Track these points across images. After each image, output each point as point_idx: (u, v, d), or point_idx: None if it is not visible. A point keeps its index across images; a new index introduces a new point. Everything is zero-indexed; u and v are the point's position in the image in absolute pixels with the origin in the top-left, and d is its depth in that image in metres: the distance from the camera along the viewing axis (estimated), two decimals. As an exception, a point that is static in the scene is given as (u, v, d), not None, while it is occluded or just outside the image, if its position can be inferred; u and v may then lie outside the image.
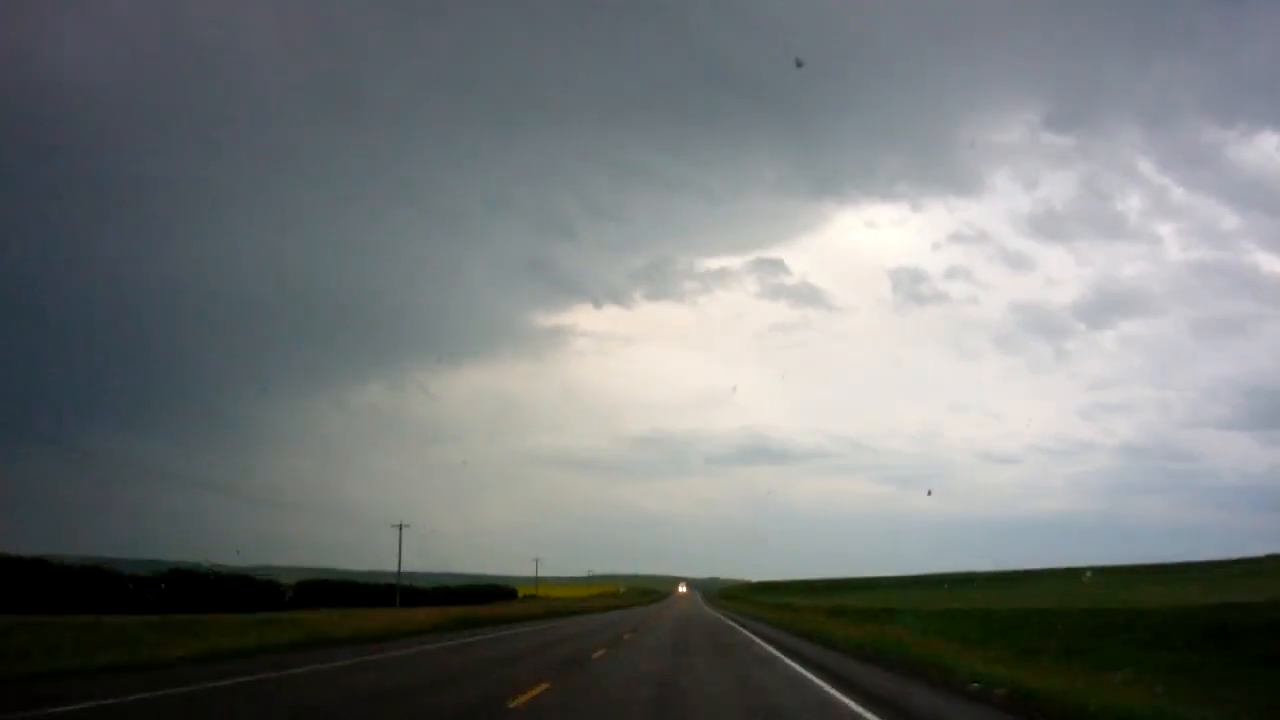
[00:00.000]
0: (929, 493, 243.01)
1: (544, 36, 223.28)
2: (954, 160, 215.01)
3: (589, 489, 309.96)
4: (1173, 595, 40.84)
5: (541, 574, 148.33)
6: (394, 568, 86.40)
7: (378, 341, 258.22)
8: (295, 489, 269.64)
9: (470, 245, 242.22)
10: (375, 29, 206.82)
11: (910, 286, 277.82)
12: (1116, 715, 10.71)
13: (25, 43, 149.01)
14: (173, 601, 48.46)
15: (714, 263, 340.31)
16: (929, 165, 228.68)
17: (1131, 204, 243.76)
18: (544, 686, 15.03)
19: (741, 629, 41.11)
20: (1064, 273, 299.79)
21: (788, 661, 21.26)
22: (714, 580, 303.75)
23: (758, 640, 30.71)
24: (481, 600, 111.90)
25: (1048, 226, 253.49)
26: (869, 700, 13.49)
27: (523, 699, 13.46)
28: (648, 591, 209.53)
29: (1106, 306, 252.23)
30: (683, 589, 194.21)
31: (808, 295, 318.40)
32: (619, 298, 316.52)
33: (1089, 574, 65.71)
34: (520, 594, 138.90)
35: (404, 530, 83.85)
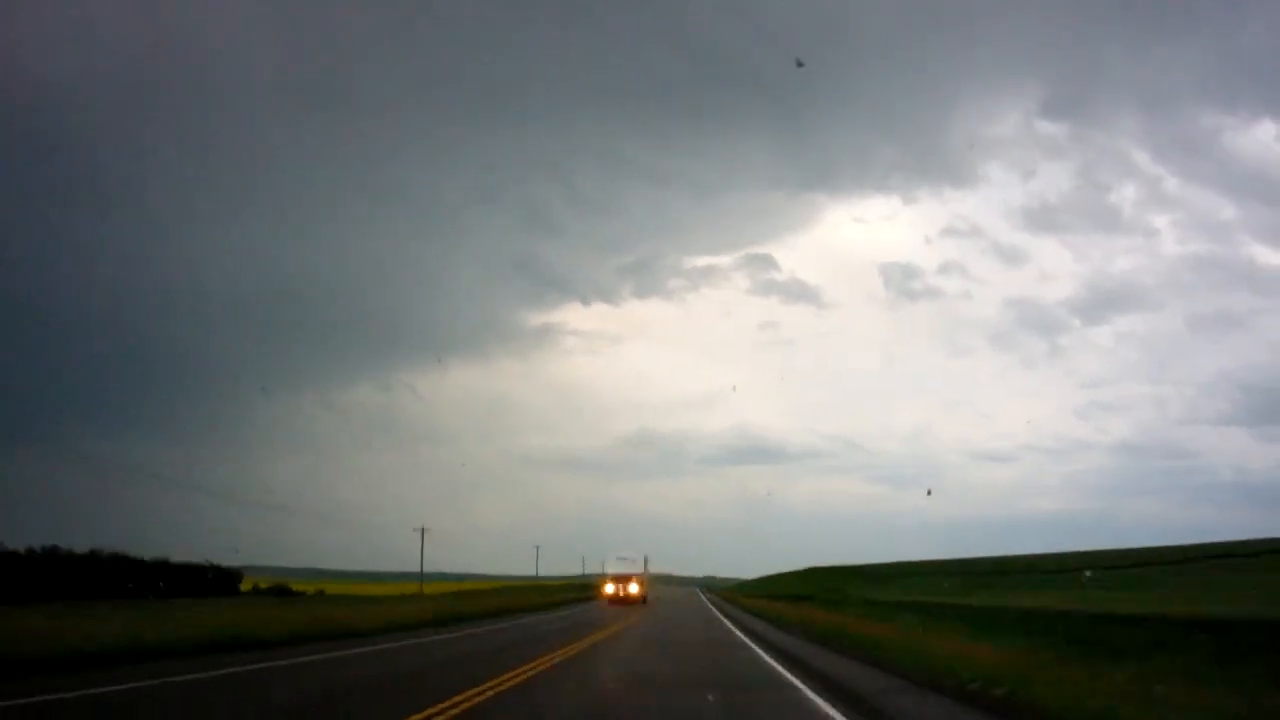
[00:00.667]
0: (928, 492, 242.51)
1: (529, 27, 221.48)
2: (948, 151, 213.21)
3: (580, 489, 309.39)
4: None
5: (529, 573, 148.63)
6: (391, 567, 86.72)
7: (364, 341, 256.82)
8: (282, 489, 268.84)
9: (452, 241, 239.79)
10: (356, 21, 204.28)
11: (902, 282, 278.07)
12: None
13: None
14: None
15: (703, 259, 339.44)
16: (923, 156, 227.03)
17: (1127, 195, 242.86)
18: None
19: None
20: (1059, 267, 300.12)
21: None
22: (710, 579, 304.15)
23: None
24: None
25: (1042, 219, 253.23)
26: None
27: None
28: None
29: (1101, 301, 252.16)
30: (635, 588, 68.69)
31: (798, 292, 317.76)
32: (607, 295, 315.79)
33: (1089, 574, 65.78)
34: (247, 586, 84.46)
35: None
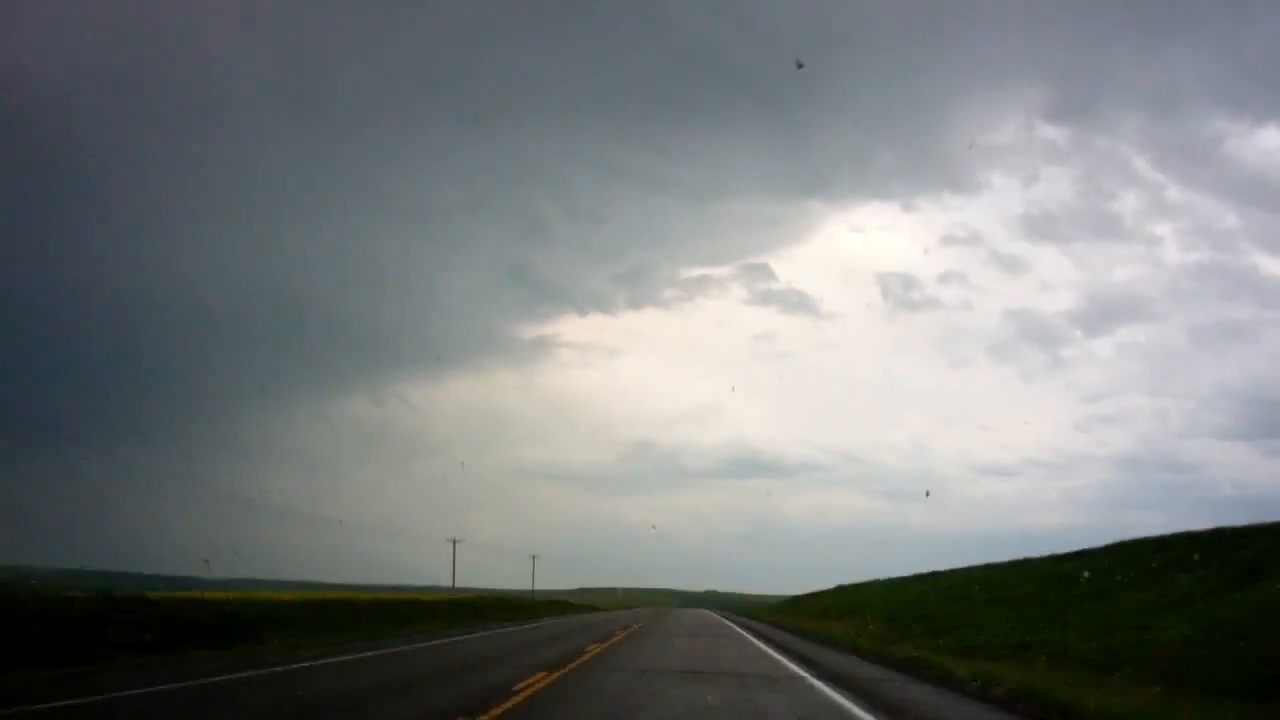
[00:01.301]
0: (927, 493, 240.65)
1: (519, 29, 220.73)
2: (948, 156, 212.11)
3: (578, 502, 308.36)
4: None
5: (526, 587, 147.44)
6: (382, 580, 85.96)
7: (356, 352, 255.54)
8: (278, 500, 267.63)
9: (445, 249, 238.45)
10: (339, 22, 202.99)
11: (901, 292, 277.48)
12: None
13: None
14: None
15: (699, 270, 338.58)
16: (921, 160, 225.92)
17: (1129, 203, 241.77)
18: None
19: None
20: (1059, 276, 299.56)
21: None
22: (711, 593, 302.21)
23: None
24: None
25: (1043, 227, 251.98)
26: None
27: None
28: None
29: (1102, 313, 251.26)
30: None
31: (796, 302, 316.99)
32: (603, 305, 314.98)
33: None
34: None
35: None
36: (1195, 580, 20.56)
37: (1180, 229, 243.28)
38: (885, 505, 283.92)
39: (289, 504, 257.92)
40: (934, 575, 46.34)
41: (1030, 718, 12.63)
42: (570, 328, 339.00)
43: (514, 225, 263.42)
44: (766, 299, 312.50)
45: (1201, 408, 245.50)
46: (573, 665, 19.08)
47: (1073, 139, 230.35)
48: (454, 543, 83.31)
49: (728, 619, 61.99)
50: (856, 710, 13.28)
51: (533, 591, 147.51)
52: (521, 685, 14.75)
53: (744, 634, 37.29)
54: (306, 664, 18.73)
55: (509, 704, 12.63)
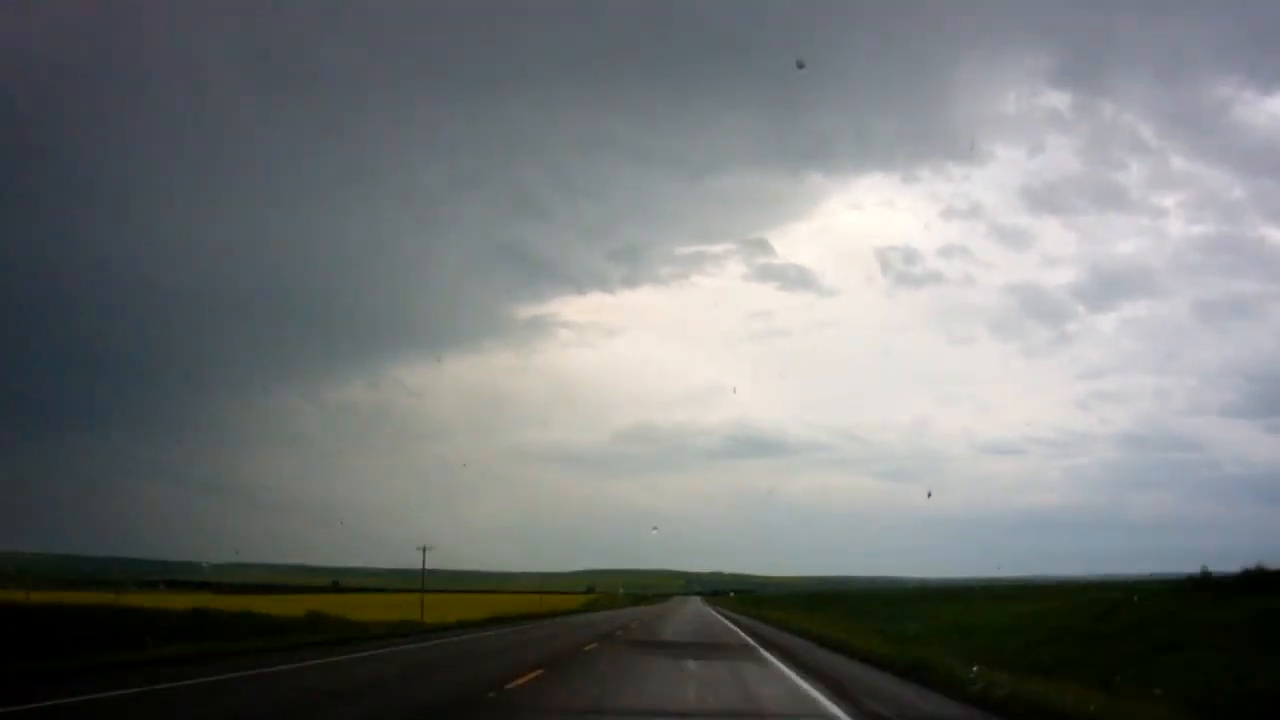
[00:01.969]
0: (929, 494, 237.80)
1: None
2: (950, 126, 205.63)
3: (579, 485, 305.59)
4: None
5: (535, 570, 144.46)
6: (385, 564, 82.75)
7: (353, 336, 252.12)
8: (276, 487, 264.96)
9: (432, 229, 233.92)
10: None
11: (903, 267, 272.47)
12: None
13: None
14: None
15: (696, 247, 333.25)
16: (924, 131, 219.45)
17: (1134, 174, 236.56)
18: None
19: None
20: (1062, 250, 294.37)
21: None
22: (717, 575, 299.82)
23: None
24: None
25: (1046, 199, 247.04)
26: None
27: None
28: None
29: (1106, 288, 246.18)
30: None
31: (796, 278, 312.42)
32: (602, 283, 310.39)
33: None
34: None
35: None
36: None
37: (1185, 200, 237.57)
38: (888, 485, 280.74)
39: (283, 491, 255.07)
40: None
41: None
42: (568, 307, 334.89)
43: (506, 202, 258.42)
44: (766, 274, 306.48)
45: (1205, 385, 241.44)
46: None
47: (1075, 105, 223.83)
48: (423, 550, 79.92)
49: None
50: None
51: (541, 576, 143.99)
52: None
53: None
54: None
55: None
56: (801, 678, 19.39)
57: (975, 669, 17.09)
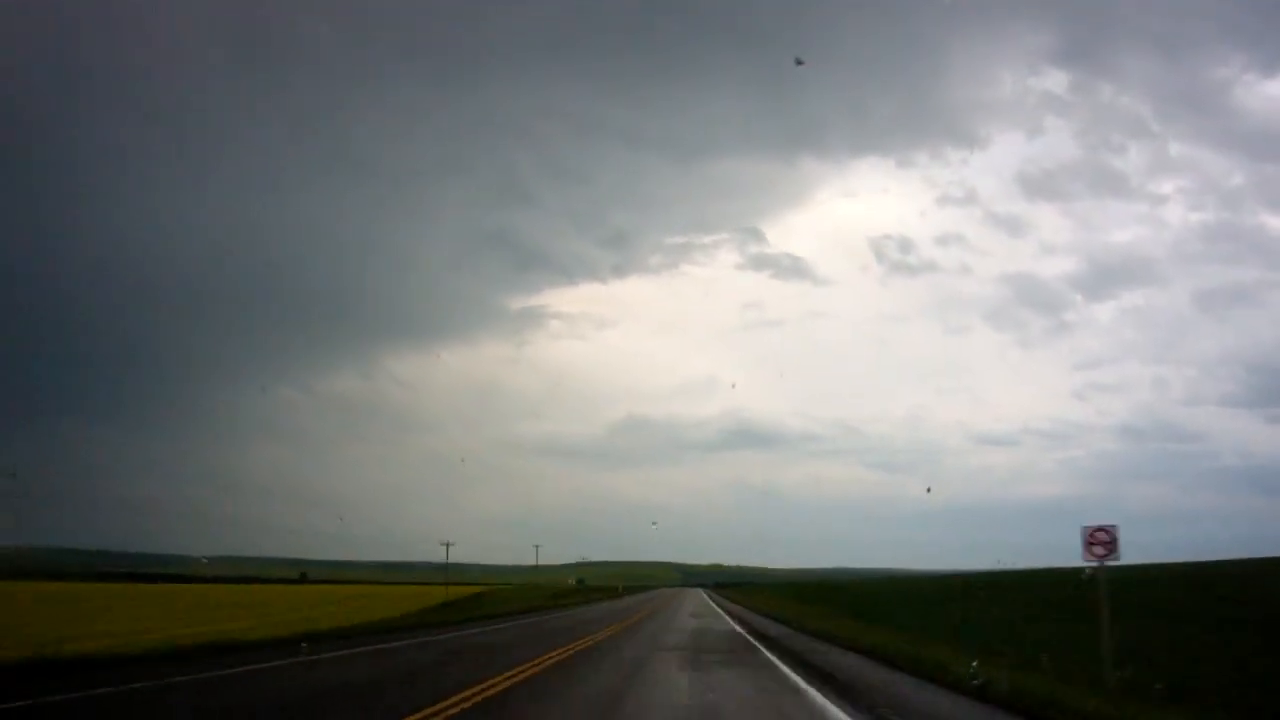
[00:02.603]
0: (928, 490, 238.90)
1: None
2: (947, 110, 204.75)
3: (575, 477, 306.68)
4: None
5: (528, 563, 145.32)
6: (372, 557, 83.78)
7: (346, 326, 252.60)
8: (269, 479, 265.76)
9: (418, 215, 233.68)
10: None
11: (898, 255, 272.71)
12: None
13: None
14: None
15: (689, 235, 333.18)
16: (920, 114, 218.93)
17: (1132, 160, 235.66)
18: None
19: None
20: (1059, 237, 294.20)
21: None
22: (716, 567, 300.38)
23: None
24: None
25: (1045, 185, 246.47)
26: None
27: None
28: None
29: (1103, 276, 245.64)
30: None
31: (789, 267, 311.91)
32: (595, 273, 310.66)
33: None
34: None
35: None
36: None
37: (1185, 187, 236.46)
38: (883, 476, 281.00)
39: (279, 481, 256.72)
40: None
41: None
42: (559, 298, 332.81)
43: (494, 188, 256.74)
44: (760, 263, 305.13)
45: (1204, 375, 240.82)
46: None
47: (1073, 84, 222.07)
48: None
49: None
50: None
51: (534, 570, 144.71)
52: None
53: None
54: None
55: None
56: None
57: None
